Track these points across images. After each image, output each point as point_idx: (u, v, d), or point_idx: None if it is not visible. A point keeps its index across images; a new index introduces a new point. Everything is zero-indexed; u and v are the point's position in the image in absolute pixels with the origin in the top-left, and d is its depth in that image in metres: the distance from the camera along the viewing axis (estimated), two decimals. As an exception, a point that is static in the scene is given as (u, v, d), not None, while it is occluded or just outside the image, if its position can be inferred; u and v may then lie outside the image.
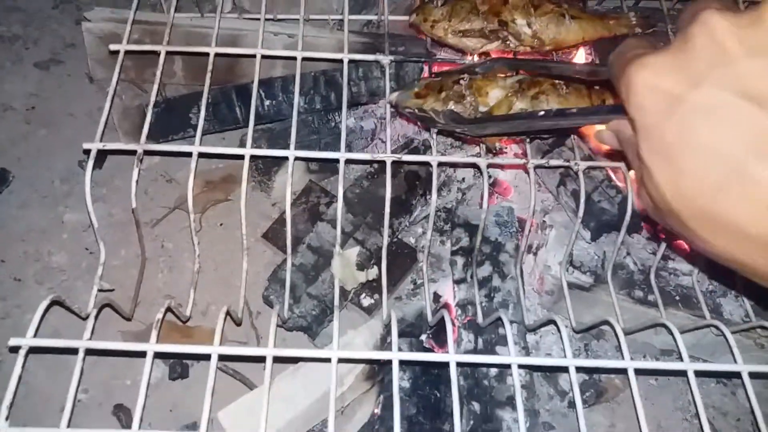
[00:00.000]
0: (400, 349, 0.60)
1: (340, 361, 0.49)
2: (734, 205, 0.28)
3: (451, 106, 0.60)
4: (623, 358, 0.50)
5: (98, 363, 0.66)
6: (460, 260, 0.66)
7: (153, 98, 0.65)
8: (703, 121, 0.29)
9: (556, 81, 0.63)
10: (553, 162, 0.62)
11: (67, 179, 0.80)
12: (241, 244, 0.63)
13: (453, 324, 0.63)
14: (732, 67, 0.28)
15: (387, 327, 0.63)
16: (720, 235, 0.30)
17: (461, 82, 0.62)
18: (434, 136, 0.64)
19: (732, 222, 0.29)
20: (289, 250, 0.63)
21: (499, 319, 0.54)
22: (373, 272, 0.67)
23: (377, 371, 0.62)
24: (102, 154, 0.64)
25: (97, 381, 0.66)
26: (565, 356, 0.50)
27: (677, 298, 0.64)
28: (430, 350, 0.63)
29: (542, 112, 0.48)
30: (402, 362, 0.49)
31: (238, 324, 0.61)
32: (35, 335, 0.50)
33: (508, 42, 0.69)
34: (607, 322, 0.53)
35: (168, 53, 0.70)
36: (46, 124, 0.86)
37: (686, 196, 0.30)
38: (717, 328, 0.53)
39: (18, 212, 0.77)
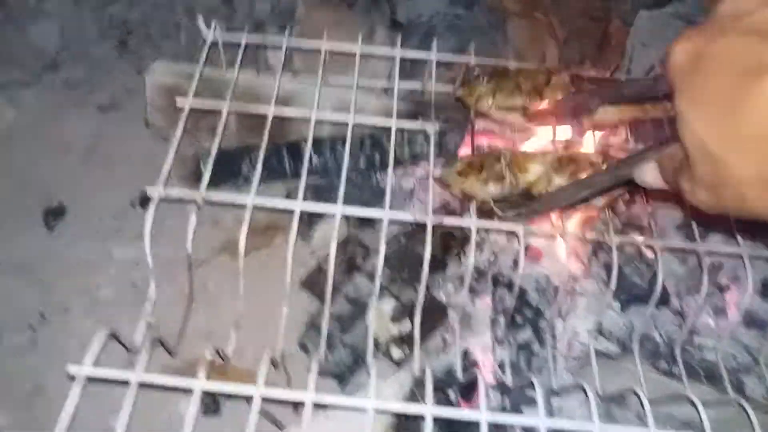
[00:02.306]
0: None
1: (377, 411, 0.52)
2: (749, 117, 0.32)
3: (491, 186, 0.65)
4: (647, 426, 0.52)
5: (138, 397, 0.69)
6: (501, 320, 0.69)
7: (214, 150, 0.70)
8: (722, 61, 0.34)
9: (593, 160, 0.67)
10: (589, 235, 0.65)
11: (118, 217, 0.85)
12: (278, 292, 0.66)
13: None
14: (748, 17, 0.33)
15: (416, 380, 0.65)
16: (743, 154, 0.33)
17: (501, 160, 0.66)
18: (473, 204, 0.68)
19: (751, 134, 0.32)
20: (327, 301, 0.66)
21: (530, 382, 0.56)
22: (405, 326, 0.70)
23: (404, 424, 0.64)
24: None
25: (134, 413, 0.68)
26: (592, 421, 0.52)
27: (701, 372, 0.66)
28: (457, 406, 0.65)
29: (605, 166, 0.51)
30: (435, 417, 0.51)
31: (276, 368, 0.64)
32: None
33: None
34: (633, 391, 0.55)
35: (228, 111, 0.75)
36: (103, 165, 0.91)
37: (711, 123, 0.34)
38: (740, 405, 0.55)
39: (71, 245, 0.82)
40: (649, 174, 0.46)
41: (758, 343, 0.68)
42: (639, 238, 0.67)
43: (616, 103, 0.71)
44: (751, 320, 0.70)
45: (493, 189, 0.66)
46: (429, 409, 0.51)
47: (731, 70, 0.33)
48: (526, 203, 0.64)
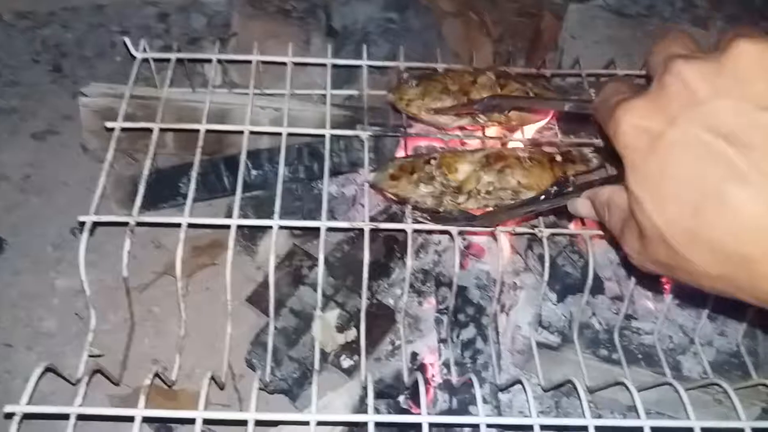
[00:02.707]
0: (376, 411, 0.63)
1: (319, 423, 0.52)
2: (712, 224, 0.32)
3: (422, 188, 0.66)
4: (584, 415, 0.53)
5: (85, 427, 0.68)
6: (445, 319, 0.69)
7: (146, 171, 0.70)
8: (680, 154, 0.33)
9: (521, 155, 0.68)
10: (519, 229, 0.66)
11: (59, 246, 0.84)
12: (225, 310, 0.66)
13: (428, 384, 0.66)
14: (701, 107, 0.32)
15: (365, 388, 0.65)
16: (703, 254, 0.33)
17: (431, 162, 0.67)
18: (409, 206, 0.69)
19: (712, 239, 0.32)
20: (272, 314, 0.66)
21: (470, 379, 0.57)
22: (352, 334, 0.70)
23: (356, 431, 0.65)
24: (96, 224, 0.67)
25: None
26: (530, 415, 0.53)
27: (640, 356, 0.68)
28: (407, 410, 0.66)
29: (543, 196, 0.53)
30: (378, 423, 0.52)
31: (221, 388, 0.64)
32: (29, 401, 0.52)
33: (477, 118, 0.74)
34: (570, 382, 0.56)
35: (161, 129, 0.74)
36: (40, 193, 0.89)
37: (672, 219, 0.34)
38: (672, 386, 0.57)
39: (11, 278, 0.80)
40: (582, 209, 0.47)
41: (693, 323, 0.71)
42: (569, 230, 0.69)
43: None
44: (686, 301, 0.73)
45: (424, 190, 0.67)
46: (371, 417, 0.52)
47: (695, 167, 0.32)
48: (467, 217, 0.66)
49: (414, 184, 0.67)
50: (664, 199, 0.34)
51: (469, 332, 0.69)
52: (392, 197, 0.69)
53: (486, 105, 0.70)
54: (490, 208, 0.67)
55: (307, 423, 0.52)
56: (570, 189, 0.51)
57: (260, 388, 0.70)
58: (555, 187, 0.53)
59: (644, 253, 0.37)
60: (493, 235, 0.66)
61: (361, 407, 0.65)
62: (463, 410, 0.63)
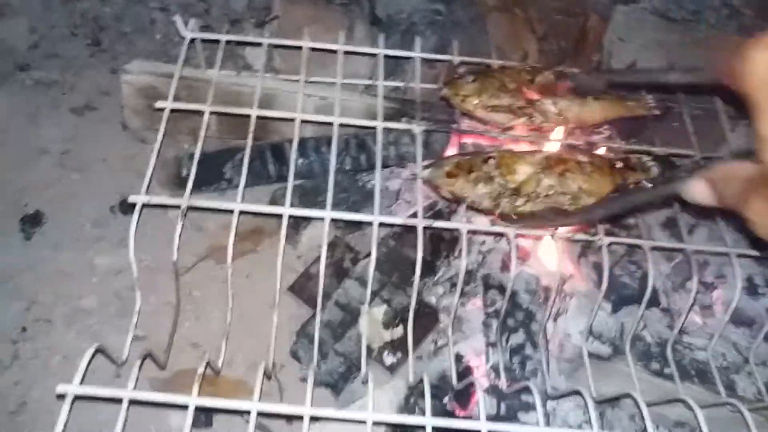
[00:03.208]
0: (420, 412, 0.62)
1: (374, 424, 0.51)
2: None
3: (480, 187, 0.64)
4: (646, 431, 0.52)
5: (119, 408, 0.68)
6: (494, 323, 0.68)
7: (197, 154, 0.68)
8: None
9: (581, 160, 0.67)
10: (578, 236, 0.65)
11: (98, 223, 0.83)
12: (265, 297, 0.65)
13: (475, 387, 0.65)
14: None
15: (411, 387, 0.64)
16: None
17: (489, 161, 0.65)
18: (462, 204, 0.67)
19: None
20: (319, 306, 0.65)
21: (526, 387, 0.56)
22: (397, 331, 0.69)
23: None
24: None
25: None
26: (592, 429, 0.52)
27: (692, 372, 0.67)
28: (452, 412, 0.65)
29: (649, 185, 0.50)
30: (435, 427, 0.51)
31: (269, 378, 0.63)
32: (81, 383, 0.51)
33: (534, 118, 0.72)
34: (629, 395, 0.55)
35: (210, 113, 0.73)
36: (79, 169, 0.88)
37: None
38: (735, 406, 0.56)
39: (50, 254, 0.79)
40: (699, 192, 0.43)
41: (747, 341, 0.69)
42: (629, 239, 0.67)
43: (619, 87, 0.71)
44: (738, 318, 0.71)
45: (482, 190, 0.66)
46: (429, 421, 0.51)
47: None
48: (556, 215, 0.64)
49: (472, 183, 0.65)
50: None
51: (518, 337, 0.67)
52: (447, 195, 0.68)
53: (592, 83, 0.67)
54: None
55: (363, 422, 0.51)
56: (681, 174, 0.47)
57: (302, 379, 0.70)
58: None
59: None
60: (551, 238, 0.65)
61: (406, 406, 0.64)
62: (511, 417, 0.62)
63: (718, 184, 0.40)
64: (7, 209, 0.82)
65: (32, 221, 0.81)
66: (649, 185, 0.49)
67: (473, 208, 0.67)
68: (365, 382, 0.57)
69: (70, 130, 0.93)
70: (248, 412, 0.51)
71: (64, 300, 0.75)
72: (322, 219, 0.65)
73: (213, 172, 0.81)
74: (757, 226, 0.36)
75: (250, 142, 0.71)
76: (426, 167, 0.69)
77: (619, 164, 0.69)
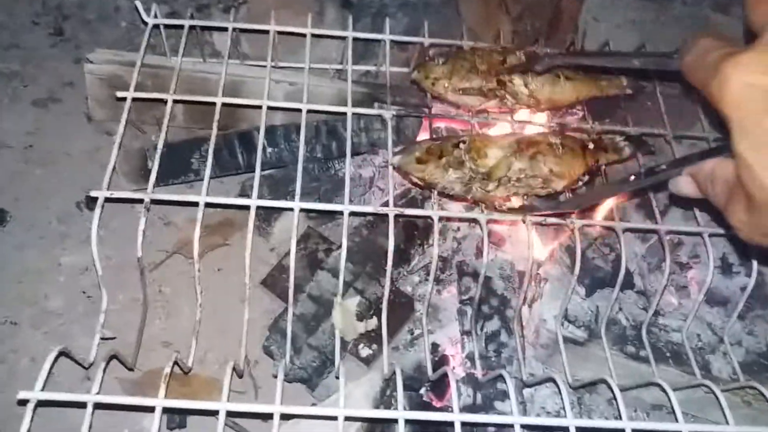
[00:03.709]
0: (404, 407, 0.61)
1: (347, 419, 0.50)
2: None
3: (451, 173, 0.63)
4: (620, 417, 0.52)
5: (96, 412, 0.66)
6: (469, 311, 0.67)
7: (160, 145, 0.67)
8: None
9: (552, 141, 0.66)
10: (551, 219, 0.64)
11: (64, 220, 0.80)
12: (237, 292, 0.64)
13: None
14: None
15: (386, 380, 0.63)
16: None
17: (461, 145, 0.64)
18: (434, 191, 0.66)
19: None
20: (290, 300, 0.64)
21: (500, 376, 0.55)
22: (372, 323, 0.68)
23: (376, 426, 0.63)
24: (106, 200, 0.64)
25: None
26: (565, 415, 0.51)
27: (668, 354, 0.66)
28: (429, 403, 0.64)
29: (633, 177, 0.50)
30: (408, 420, 0.50)
31: (240, 376, 0.62)
32: (43, 388, 0.50)
33: (505, 100, 0.71)
34: (604, 381, 0.55)
35: (174, 101, 0.71)
36: (43, 164, 0.86)
37: None
38: (709, 387, 0.55)
39: (15, 253, 0.77)
40: (685, 187, 0.44)
41: (721, 321, 0.69)
42: (601, 221, 0.67)
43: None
44: (713, 298, 0.71)
45: (453, 176, 0.65)
46: (401, 414, 0.50)
47: None
48: (545, 201, 0.64)
49: (442, 168, 0.64)
50: None
51: (493, 324, 0.67)
52: (418, 181, 0.66)
53: (548, 64, 0.66)
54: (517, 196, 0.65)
55: (334, 418, 0.50)
56: (663, 167, 0.48)
57: (274, 376, 0.69)
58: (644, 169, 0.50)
59: (754, 225, 0.35)
60: (521, 224, 0.64)
61: (382, 399, 0.63)
62: (488, 406, 0.62)
63: (702, 182, 0.41)
64: (-32, 208, 0.80)
65: (-5, 219, 0.79)
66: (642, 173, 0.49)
67: (444, 194, 0.66)
68: (338, 376, 0.56)
69: (32, 124, 0.90)
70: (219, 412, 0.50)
71: (31, 301, 0.73)
72: (292, 210, 0.64)
73: (180, 164, 0.79)
74: (739, 229, 0.36)
75: (215, 131, 0.69)
76: (396, 153, 0.67)
77: (591, 145, 0.68)
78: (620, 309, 0.69)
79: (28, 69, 0.96)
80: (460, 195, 0.65)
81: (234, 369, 0.57)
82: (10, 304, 0.73)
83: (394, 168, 0.67)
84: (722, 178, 0.37)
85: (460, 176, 0.65)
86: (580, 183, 0.67)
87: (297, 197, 0.64)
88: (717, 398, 0.54)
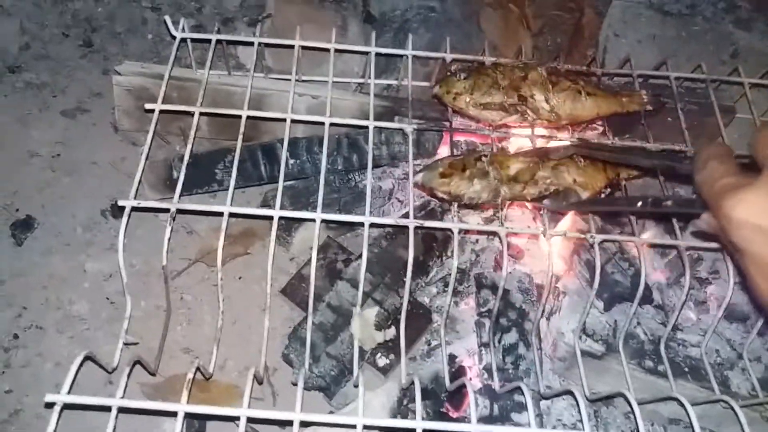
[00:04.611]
0: (412, 414, 0.61)
1: (365, 428, 0.51)
2: None
3: (476, 183, 0.64)
4: (638, 430, 0.52)
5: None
6: (487, 323, 0.68)
7: (186, 156, 0.68)
8: None
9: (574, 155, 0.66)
10: (571, 234, 0.64)
11: (89, 227, 0.82)
12: (258, 300, 0.65)
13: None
14: None
15: (403, 390, 0.64)
16: None
17: (483, 159, 0.65)
18: (455, 204, 0.67)
19: None
20: (310, 309, 0.65)
21: (518, 387, 0.55)
22: (390, 333, 0.69)
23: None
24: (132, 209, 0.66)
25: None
26: (582, 428, 0.52)
27: (686, 369, 0.66)
28: (446, 414, 0.64)
29: (640, 203, 0.52)
30: (426, 430, 0.51)
31: (260, 383, 0.63)
32: (69, 391, 0.51)
33: (526, 116, 0.72)
34: (622, 395, 0.55)
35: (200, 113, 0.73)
36: (70, 172, 0.88)
37: None
38: (727, 403, 0.55)
39: (41, 259, 0.79)
40: (708, 226, 0.44)
41: (740, 337, 0.69)
42: (621, 237, 0.67)
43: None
44: (732, 314, 0.71)
45: (479, 185, 0.65)
46: (419, 424, 0.50)
47: None
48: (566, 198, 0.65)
49: (467, 180, 0.65)
50: None
51: (511, 337, 0.67)
52: (443, 196, 0.67)
53: (563, 154, 0.68)
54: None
55: (353, 426, 0.51)
56: (668, 203, 0.50)
57: (293, 383, 0.69)
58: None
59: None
60: (540, 237, 0.65)
61: (399, 409, 0.64)
62: (504, 417, 0.62)
63: (720, 237, 0.42)
64: (-3, 215, 0.82)
65: (23, 227, 0.81)
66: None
67: (470, 205, 0.66)
68: (356, 385, 0.57)
69: (60, 133, 0.92)
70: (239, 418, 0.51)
71: (56, 306, 0.75)
72: (313, 221, 0.65)
73: (204, 174, 0.81)
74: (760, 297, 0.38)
75: (240, 143, 0.70)
76: (419, 171, 0.68)
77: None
78: (638, 323, 0.69)
79: (58, 80, 0.98)
80: (487, 202, 0.66)
81: (254, 376, 0.58)
82: (36, 309, 0.75)
83: (417, 186, 0.68)
84: None
85: (486, 184, 0.65)
86: (602, 196, 0.68)
87: (319, 208, 0.65)
88: (735, 413, 0.53)
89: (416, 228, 0.65)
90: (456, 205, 0.67)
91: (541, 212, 0.67)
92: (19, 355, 0.71)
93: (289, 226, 0.81)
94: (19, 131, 0.91)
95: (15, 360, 0.71)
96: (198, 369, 0.56)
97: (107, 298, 0.76)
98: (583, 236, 0.64)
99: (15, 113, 0.93)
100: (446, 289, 0.68)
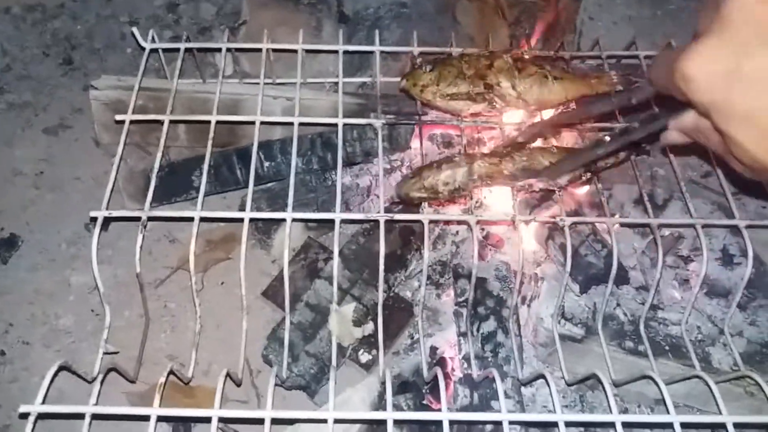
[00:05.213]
0: (396, 407, 0.61)
1: (337, 421, 0.51)
2: None
3: (444, 169, 0.64)
4: (610, 410, 0.51)
5: (102, 425, 0.68)
6: (464, 312, 0.68)
7: (157, 165, 0.69)
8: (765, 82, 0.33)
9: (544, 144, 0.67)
10: (540, 218, 0.64)
11: (73, 242, 0.83)
12: (241, 305, 0.65)
13: (448, 379, 0.65)
14: None
15: (383, 384, 0.64)
16: None
17: (455, 159, 0.65)
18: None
19: None
20: (287, 309, 0.65)
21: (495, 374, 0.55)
22: (369, 328, 0.69)
23: (375, 429, 0.64)
24: (108, 219, 0.66)
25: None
26: (555, 411, 0.51)
27: (667, 347, 0.66)
28: (427, 406, 0.64)
29: (608, 137, 0.52)
30: (397, 421, 0.51)
31: (238, 385, 0.63)
32: (44, 401, 0.51)
33: (494, 104, 0.72)
34: (595, 376, 0.54)
35: (172, 121, 0.73)
36: (53, 189, 0.89)
37: None
38: (702, 379, 0.55)
39: (27, 276, 0.80)
40: (676, 138, 0.47)
41: (722, 313, 0.68)
42: (592, 219, 0.67)
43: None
44: (714, 290, 0.70)
45: (449, 171, 0.65)
46: (389, 415, 0.50)
47: None
48: (529, 173, 0.65)
49: (436, 170, 0.65)
50: (756, 127, 0.34)
51: (489, 325, 0.67)
52: (420, 195, 0.66)
53: (528, 134, 0.68)
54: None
55: (324, 421, 0.51)
56: (635, 125, 0.51)
57: (278, 384, 0.70)
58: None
59: (753, 173, 0.38)
60: (512, 224, 0.64)
61: (380, 403, 0.64)
62: (484, 406, 0.62)
63: (693, 134, 0.44)
64: (-18, 234, 0.83)
65: (8, 245, 0.82)
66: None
67: (451, 196, 0.66)
68: (335, 381, 0.57)
69: (43, 151, 0.93)
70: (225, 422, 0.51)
71: (42, 321, 0.76)
72: (284, 220, 0.65)
73: (182, 182, 0.81)
74: (743, 175, 0.40)
75: (209, 148, 0.71)
76: (396, 187, 0.68)
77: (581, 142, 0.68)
78: (618, 305, 0.69)
79: (40, 98, 1.00)
80: (465, 186, 0.65)
81: (230, 377, 0.58)
82: (23, 325, 0.75)
83: (399, 201, 0.69)
84: (709, 129, 0.39)
85: (456, 167, 0.65)
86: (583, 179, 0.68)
87: (289, 207, 0.66)
88: (710, 389, 0.53)
89: (391, 222, 0.65)
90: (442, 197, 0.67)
91: (514, 196, 0.67)
92: (7, 370, 0.72)
93: (268, 228, 0.82)
94: (2, 151, 0.93)
95: (2, 375, 0.72)
96: (172, 372, 0.56)
97: (92, 310, 0.77)
98: (553, 220, 0.64)
99: (-2, 133, 0.95)
100: (427, 282, 0.68)
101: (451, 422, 0.50)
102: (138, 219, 0.65)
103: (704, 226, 0.64)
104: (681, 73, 0.36)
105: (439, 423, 0.51)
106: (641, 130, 0.52)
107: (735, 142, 0.35)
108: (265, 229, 0.82)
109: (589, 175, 0.68)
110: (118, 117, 0.73)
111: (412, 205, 0.71)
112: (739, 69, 0.33)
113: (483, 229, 0.76)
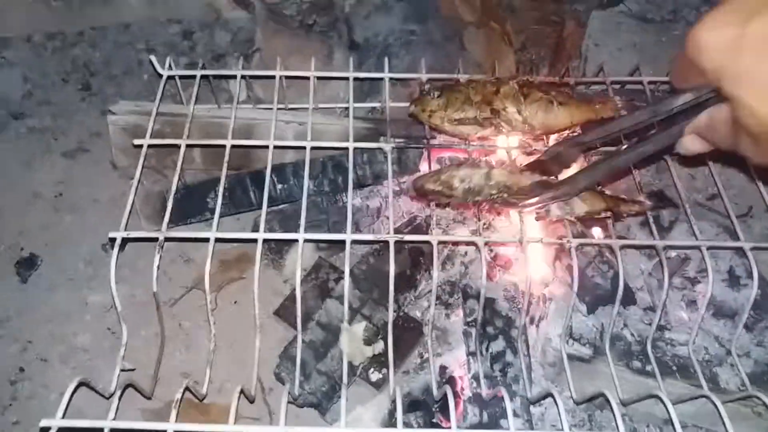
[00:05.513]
0: (405, 425, 0.62)
1: (349, 438, 0.52)
2: None
3: (463, 172, 0.65)
4: (619, 431, 0.52)
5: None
6: (473, 332, 0.69)
7: (174, 187, 0.71)
8: None
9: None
10: (547, 239, 0.66)
11: (91, 262, 0.85)
12: (254, 324, 0.67)
13: (458, 397, 0.66)
14: None
15: (393, 402, 0.65)
16: None
17: (477, 161, 0.67)
18: (434, 214, 0.68)
19: None
20: (299, 328, 0.66)
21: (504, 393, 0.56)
22: (379, 346, 0.70)
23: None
24: (126, 240, 0.68)
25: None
26: (563, 430, 0.52)
27: (674, 368, 0.66)
28: (437, 424, 0.65)
29: (624, 147, 0.53)
30: (407, 437, 0.52)
31: (251, 402, 0.64)
32: (64, 415, 0.53)
33: (501, 128, 0.74)
34: (603, 395, 0.55)
35: (188, 145, 0.76)
36: (72, 210, 0.91)
37: None
38: (709, 399, 0.55)
39: (45, 295, 0.82)
40: (693, 145, 0.48)
41: (729, 333, 0.69)
42: (598, 240, 0.68)
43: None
44: (721, 311, 0.71)
45: (466, 171, 0.67)
46: (399, 432, 0.52)
47: None
48: (544, 187, 0.65)
49: (455, 167, 0.66)
50: (764, 88, 0.35)
51: (498, 345, 0.68)
52: (435, 189, 0.66)
53: (553, 152, 0.68)
54: None
55: (337, 438, 0.52)
56: (653, 132, 0.51)
57: (290, 402, 0.71)
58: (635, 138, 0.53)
59: (762, 153, 0.38)
60: (520, 245, 0.66)
61: (390, 421, 0.65)
62: (493, 424, 0.63)
63: (706, 133, 0.45)
64: (3, 254, 0.85)
65: (27, 265, 0.84)
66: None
67: (466, 192, 0.67)
68: (346, 399, 0.58)
69: (62, 174, 0.96)
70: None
71: (60, 339, 0.78)
72: (297, 241, 0.67)
73: (198, 204, 0.84)
74: (752, 160, 0.41)
75: (224, 171, 0.73)
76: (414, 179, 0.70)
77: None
78: (625, 325, 0.70)
79: (59, 123, 1.03)
80: (480, 186, 0.66)
81: (244, 394, 0.60)
82: (41, 343, 0.77)
83: (411, 193, 0.70)
84: (721, 121, 0.41)
85: (476, 169, 0.67)
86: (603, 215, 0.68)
87: (302, 228, 0.67)
88: (717, 410, 0.54)
89: (401, 242, 0.67)
90: (435, 215, 0.68)
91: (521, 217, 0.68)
92: (26, 387, 0.74)
93: (280, 249, 0.83)
94: (23, 174, 0.95)
95: (21, 392, 0.74)
96: (188, 389, 0.58)
97: (108, 329, 0.79)
98: (559, 242, 0.65)
99: (20, 157, 0.98)
100: (437, 302, 0.70)
101: (461, 439, 0.51)
102: (155, 239, 0.67)
103: (709, 248, 0.66)
104: (693, 43, 0.38)
105: (449, 440, 0.52)
106: (657, 138, 0.52)
107: (744, 106, 0.36)
108: (277, 250, 0.83)
109: (609, 213, 0.68)
110: (137, 141, 0.75)
111: (425, 199, 0.71)
112: (745, 32, 0.35)
113: (491, 250, 0.77)
